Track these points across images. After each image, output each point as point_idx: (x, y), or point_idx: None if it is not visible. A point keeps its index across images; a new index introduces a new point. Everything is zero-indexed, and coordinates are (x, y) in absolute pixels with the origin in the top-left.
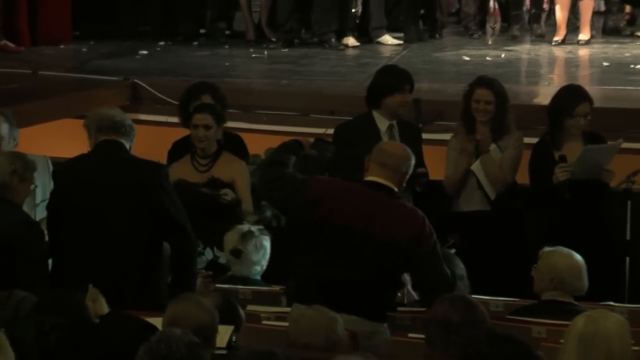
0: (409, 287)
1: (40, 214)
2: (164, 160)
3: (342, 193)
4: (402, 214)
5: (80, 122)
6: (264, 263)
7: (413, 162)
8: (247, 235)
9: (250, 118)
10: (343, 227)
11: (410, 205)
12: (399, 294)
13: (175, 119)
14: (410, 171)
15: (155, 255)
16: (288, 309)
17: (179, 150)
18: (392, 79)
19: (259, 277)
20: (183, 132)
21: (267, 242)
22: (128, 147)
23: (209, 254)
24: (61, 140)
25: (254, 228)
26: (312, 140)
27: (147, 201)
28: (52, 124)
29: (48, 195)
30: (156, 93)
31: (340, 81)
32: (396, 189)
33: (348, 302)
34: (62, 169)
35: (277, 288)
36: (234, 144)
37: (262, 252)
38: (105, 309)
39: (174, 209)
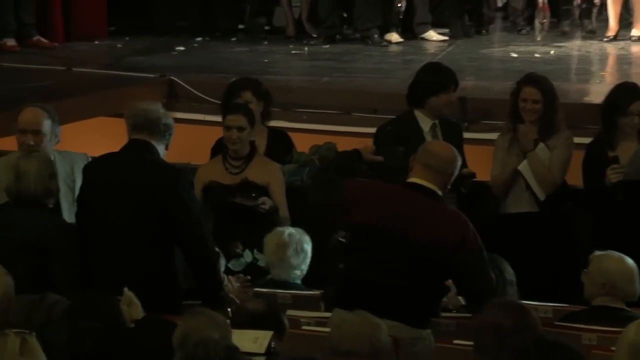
0: (455, 292)
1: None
2: (203, 159)
3: (381, 195)
4: (443, 217)
5: (115, 120)
6: (304, 267)
7: (459, 163)
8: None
9: (290, 116)
10: (381, 230)
11: (452, 208)
12: (445, 299)
13: (212, 117)
14: (456, 172)
15: (163, 261)
16: (328, 314)
17: (222, 148)
18: (437, 78)
19: (299, 281)
20: (220, 130)
21: (307, 245)
22: (164, 146)
23: (247, 256)
24: (96, 138)
25: (295, 229)
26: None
27: (157, 206)
28: (86, 122)
29: None
30: (193, 91)
31: (384, 78)
32: (440, 192)
33: (389, 308)
34: (88, 166)
35: (317, 292)
36: (279, 140)
37: (302, 255)
38: (140, 313)
39: (186, 216)
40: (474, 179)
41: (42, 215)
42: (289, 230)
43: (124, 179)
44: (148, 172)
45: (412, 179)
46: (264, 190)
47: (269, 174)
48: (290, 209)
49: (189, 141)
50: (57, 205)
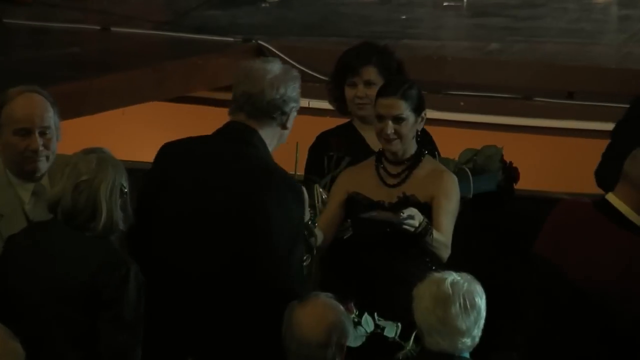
0: None
1: None
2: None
3: (563, 216)
4: (606, 248)
5: (177, 107)
6: (477, 332)
7: None
8: None
9: (440, 103)
10: (541, 261)
11: (628, 235)
12: None
13: (322, 104)
14: None
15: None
16: None
17: (327, 147)
18: None
19: (467, 354)
20: (330, 122)
21: (480, 299)
22: (274, 130)
23: (367, 325)
24: (147, 133)
25: (460, 275)
26: None
27: (238, 223)
28: (133, 109)
29: None
30: (293, 63)
31: (584, 45)
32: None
33: None
34: (161, 154)
35: None
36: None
37: (473, 315)
38: None
39: (266, 245)
40: None
41: (90, 245)
42: (451, 276)
43: (206, 178)
44: (234, 174)
45: (608, 195)
46: (424, 207)
47: (436, 185)
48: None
49: (288, 138)
50: None
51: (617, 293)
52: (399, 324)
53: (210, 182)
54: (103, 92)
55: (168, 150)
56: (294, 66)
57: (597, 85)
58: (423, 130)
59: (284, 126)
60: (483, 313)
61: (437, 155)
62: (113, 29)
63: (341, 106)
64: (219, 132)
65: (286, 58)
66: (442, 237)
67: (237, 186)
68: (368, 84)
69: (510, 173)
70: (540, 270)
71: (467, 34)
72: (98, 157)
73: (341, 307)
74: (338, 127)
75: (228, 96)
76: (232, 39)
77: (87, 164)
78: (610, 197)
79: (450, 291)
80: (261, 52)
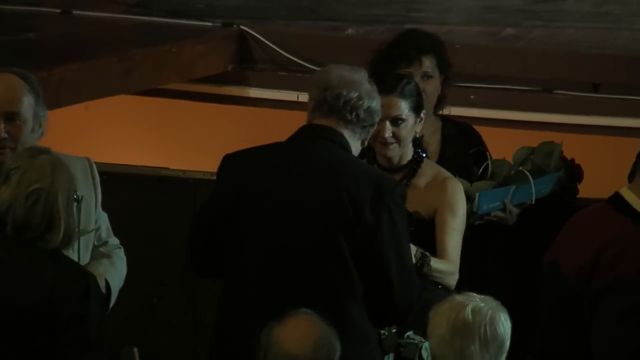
0: None
1: (84, 249)
2: None
3: (574, 220)
4: (593, 238)
5: (148, 101)
6: None
7: None
8: None
9: (449, 96)
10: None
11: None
12: None
13: None
14: None
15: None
16: None
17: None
18: None
19: None
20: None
21: (504, 328)
22: (360, 141)
23: (388, 340)
24: (114, 131)
25: (483, 300)
26: None
27: (356, 243)
28: (97, 103)
29: (96, 220)
30: (280, 50)
31: (612, 31)
32: None
33: None
34: (228, 163)
35: None
36: (463, 141)
37: (493, 347)
38: None
39: (386, 257)
40: None
41: (45, 260)
42: (473, 302)
43: (297, 193)
44: (344, 180)
45: (623, 188)
46: (429, 225)
47: (439, 195)
48: (469, 261)
49: (273, 137)
50: None
51: (584, 277)
52: (422, 344)
53: (308, 190)
54: (63, 84)
55: (241, 165)
56: (280, 54)
57: (626, 76)
58: (469, 127)
59: (363, 142)
60: (507, 344)
61: (488, 157)
62: (74, 12)
63: None
64: (303, 136)
65: (272, 45)
66: (444, 264)
67: (356, 204)
68: (426, 76)
69: (574, 171)
70: (544, 277)
71: (479, 18)
72: (51, 161)
73: (324, 322)
74: None
75: (205, 88)
76: (210, 24)
77: (40, 169)
78: (623, 190)
79: (471, 320)
80: (244, 38)
